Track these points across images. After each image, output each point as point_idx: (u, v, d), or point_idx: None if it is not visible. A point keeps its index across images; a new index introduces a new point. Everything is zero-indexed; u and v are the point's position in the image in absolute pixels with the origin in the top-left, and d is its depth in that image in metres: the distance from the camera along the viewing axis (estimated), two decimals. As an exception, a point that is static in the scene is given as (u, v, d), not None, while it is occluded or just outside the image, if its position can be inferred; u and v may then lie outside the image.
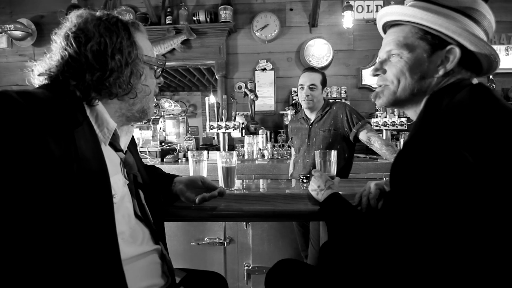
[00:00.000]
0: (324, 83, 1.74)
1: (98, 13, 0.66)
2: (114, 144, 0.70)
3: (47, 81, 0.62)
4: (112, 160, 0.68)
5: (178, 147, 2.62)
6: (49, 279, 0.49)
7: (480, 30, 0.63)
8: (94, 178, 0.56)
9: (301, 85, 1.72)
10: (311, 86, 1.69)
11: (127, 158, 0.74)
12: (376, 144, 1.55)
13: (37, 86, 0.62)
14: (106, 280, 0.56)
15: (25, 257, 0.48)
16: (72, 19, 0.64)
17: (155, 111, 2.78)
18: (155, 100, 2.97)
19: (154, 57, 0.73)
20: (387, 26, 0.75)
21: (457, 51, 0.62)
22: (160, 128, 2.77)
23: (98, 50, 0.61)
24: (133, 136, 0.85)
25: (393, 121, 2.36)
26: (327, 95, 2.87)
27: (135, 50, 0.67)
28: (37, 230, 0.48)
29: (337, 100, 2.84)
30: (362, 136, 1.60)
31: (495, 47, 2.92)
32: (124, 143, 0.75)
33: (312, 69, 1.78)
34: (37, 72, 0.62)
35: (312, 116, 1.78)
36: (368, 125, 1.62)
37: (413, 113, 0.73)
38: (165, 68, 0.79)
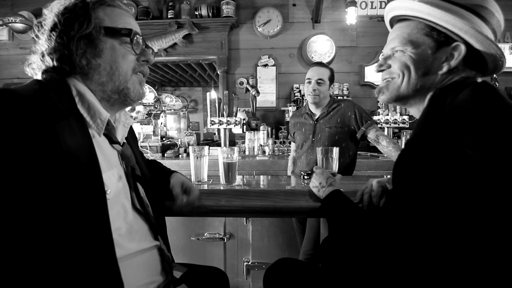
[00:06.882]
0: (331, 79, 1.72)
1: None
2: (110, 136, 0.67)
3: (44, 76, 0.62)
4: (107, 154, 0.66)
5: (179, 143, 2.62)
6: (39, 277, 0.49)
7: (488, 29, 0.62)
8: (84, 174, 0.55)
9: (309, 79, 1.70)
10: (318, 81, 1.66)
11: (124, 151, 0.72)
12: (383, 143, 1.58)
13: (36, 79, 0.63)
14: (101, 277, 0.55)
15: (13, 257, 0.48)
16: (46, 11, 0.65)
17: (156, 105, 2.77)
18: (156, 93, 2.94)
19: (120, 27, 0.65)
20: (394, 20, 0.74)
21: (462, 48, 0.62)
22: (161, 123, 2.77)
23: (49, 30, 0.62)
24: (133, 129, 0.83)
25: (395, 119, 2.34)
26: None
27: (88, 22, 0.61)
28: (24, 230, 0.49)
29: (339, 97, 2.83)
30: (371, 134, 1.62)
31: (498, 45, 2.89)
32: (121, 135, 0.73)
33: (320, 63, 1.76)
34: (38, 69, 0.63)
35: (317, 112, 1.76)
36: (376, 125, 1.66)
37: (416, 110, 0.72)
38: (139, 37, 0.69)
